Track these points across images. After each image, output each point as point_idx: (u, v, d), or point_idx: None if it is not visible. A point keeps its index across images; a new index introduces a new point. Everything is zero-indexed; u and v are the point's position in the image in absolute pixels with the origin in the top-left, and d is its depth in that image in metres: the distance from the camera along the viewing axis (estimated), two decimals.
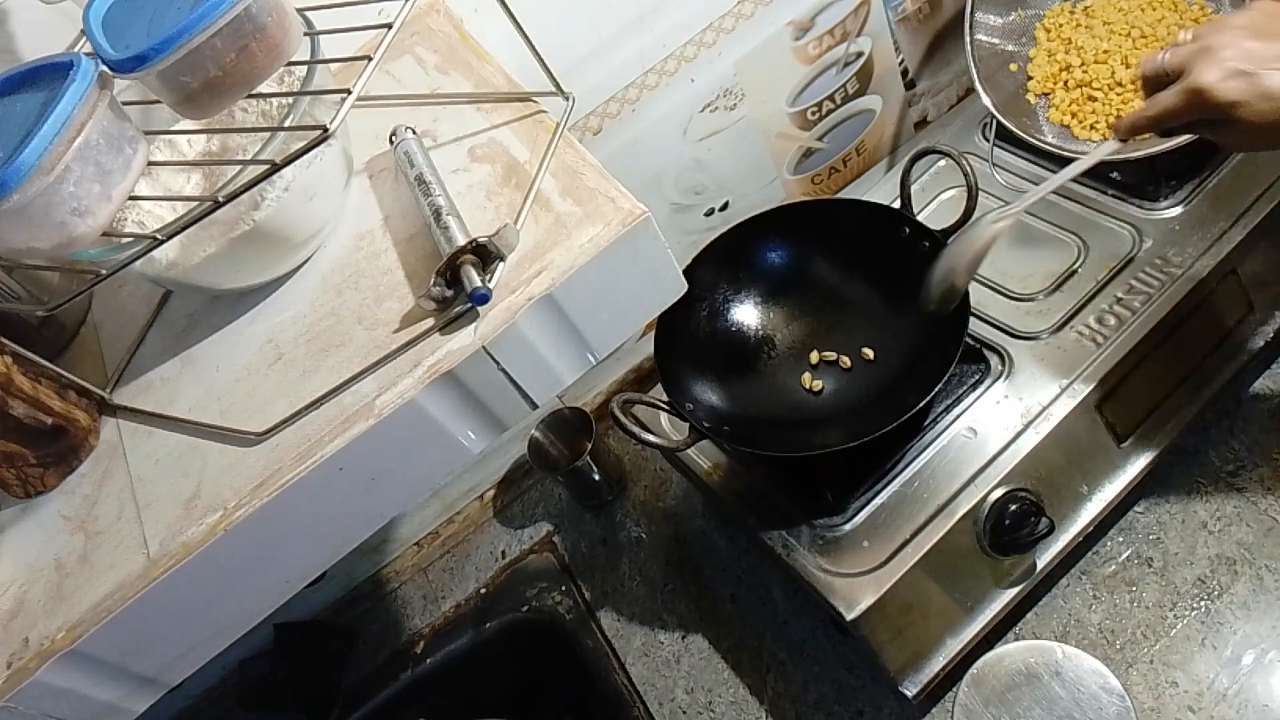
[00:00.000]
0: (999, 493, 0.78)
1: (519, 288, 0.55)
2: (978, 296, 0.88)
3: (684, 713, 0.96)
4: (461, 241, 0.54)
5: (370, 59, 0.52)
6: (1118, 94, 0.92)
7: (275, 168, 0.51)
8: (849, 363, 0.91)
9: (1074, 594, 0.86)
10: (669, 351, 0.88)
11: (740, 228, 0.94)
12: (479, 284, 0.53)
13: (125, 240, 0.54)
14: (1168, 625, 0.81)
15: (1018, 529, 0.77)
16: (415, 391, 0.54)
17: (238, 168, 0.53)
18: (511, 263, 0.57)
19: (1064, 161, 0.94)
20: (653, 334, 0.88)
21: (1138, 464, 0.84)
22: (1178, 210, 0.89)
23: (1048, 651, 0.73)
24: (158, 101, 0.54)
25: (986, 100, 0.96)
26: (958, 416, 0.83)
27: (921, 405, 0.75)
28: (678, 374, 0.88)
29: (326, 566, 0.59)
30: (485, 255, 0.55)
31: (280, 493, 0.53)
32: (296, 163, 0.52)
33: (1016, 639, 0.84)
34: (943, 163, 1.04)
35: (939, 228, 0.84)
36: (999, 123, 0.95)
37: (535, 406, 0.59)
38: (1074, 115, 0.94)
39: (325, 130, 0.50)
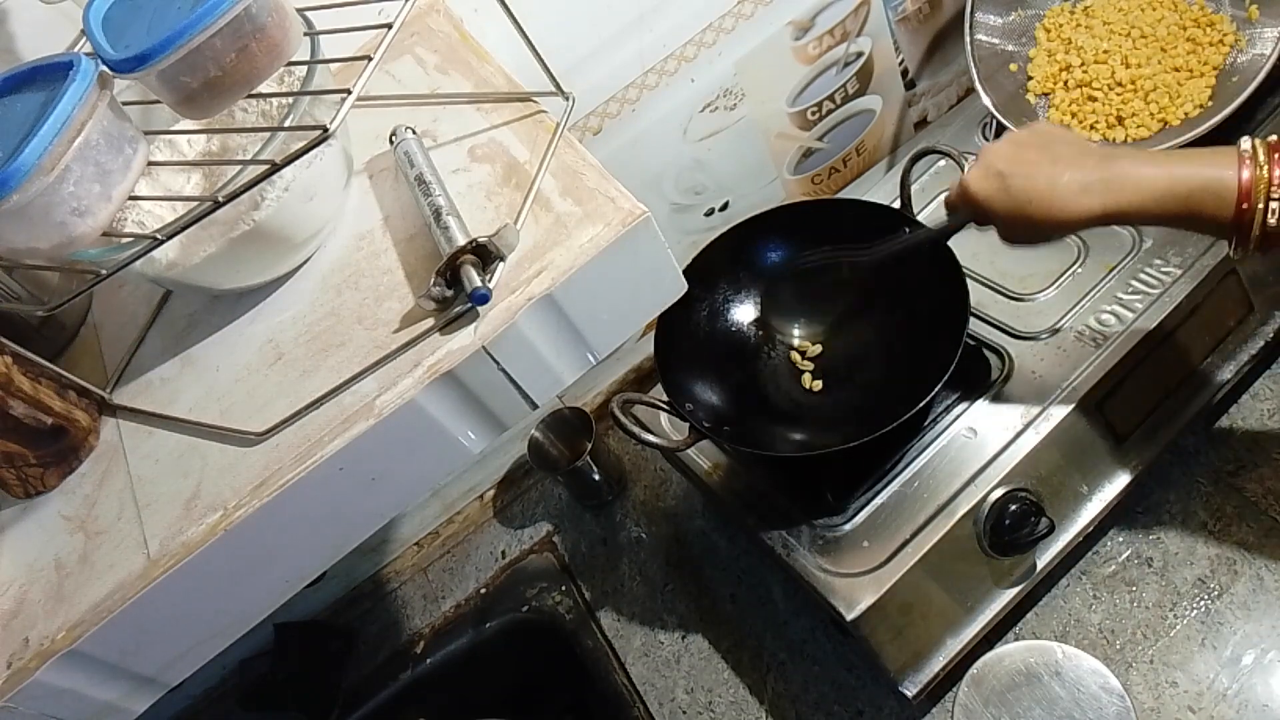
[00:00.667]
0: (999, 493, 0.78)
1: (519, 288, 0.55)
2: (978, 297, 0.88)
3: (684, 713, 0.96)
4: (461, 241, 0.54)
5: (370, 59, 0.52)
6: (1118, 94, 0.92)
7: (275, 168, 0.51)
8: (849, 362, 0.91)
9: (1074, 594, 0.86)
10: (669, 351, 0.88)
11: (740, 228, 0.94)
12: (479, 284, 0.53)
13: (125, 240, 0.54)
14: (1168, 625, 0.81)
15: (1018, 529, 0.77)
16: (415, 391, 0.54)
17: (238, 168, 0.53)
18: (511, 263, 0.57)
19: None
20: (653, 334, 0.88)
21: (1138, 464, 0.84)
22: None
23: (1048, 651, 0.73)
24: (158, 101, 0.54)
25: (986, 100, 0.96)
26: (958, 416, 0.83)
27: (921, 405, 0.75)
28: (678, 374, 0.88)
29: (326, 566, 0.59)
30: (485, 255, 0.55)
31: (280, 493, 0.53)
32: (296, 163, 0.52)
33: (1016, 639, 0.84)
34: (943, 163, 1.04)
35: (939, 228, 0.84)
36: (999, 123, 0.95)
37: (535, 406, 0.59)
38: (1074, 115, 0.94)
39: (325, 130, 0.50)
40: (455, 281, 0.54)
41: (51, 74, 0.50)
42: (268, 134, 0.54)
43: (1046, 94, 0.97)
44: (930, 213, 1.00)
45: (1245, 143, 0.62)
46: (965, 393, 0.85)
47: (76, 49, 0.62)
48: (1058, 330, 0.85)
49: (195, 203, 0.51)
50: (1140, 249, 0.87)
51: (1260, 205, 0.60)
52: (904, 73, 1.16)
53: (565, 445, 1.16)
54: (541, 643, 1.10)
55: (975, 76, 0.97)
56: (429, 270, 0.55)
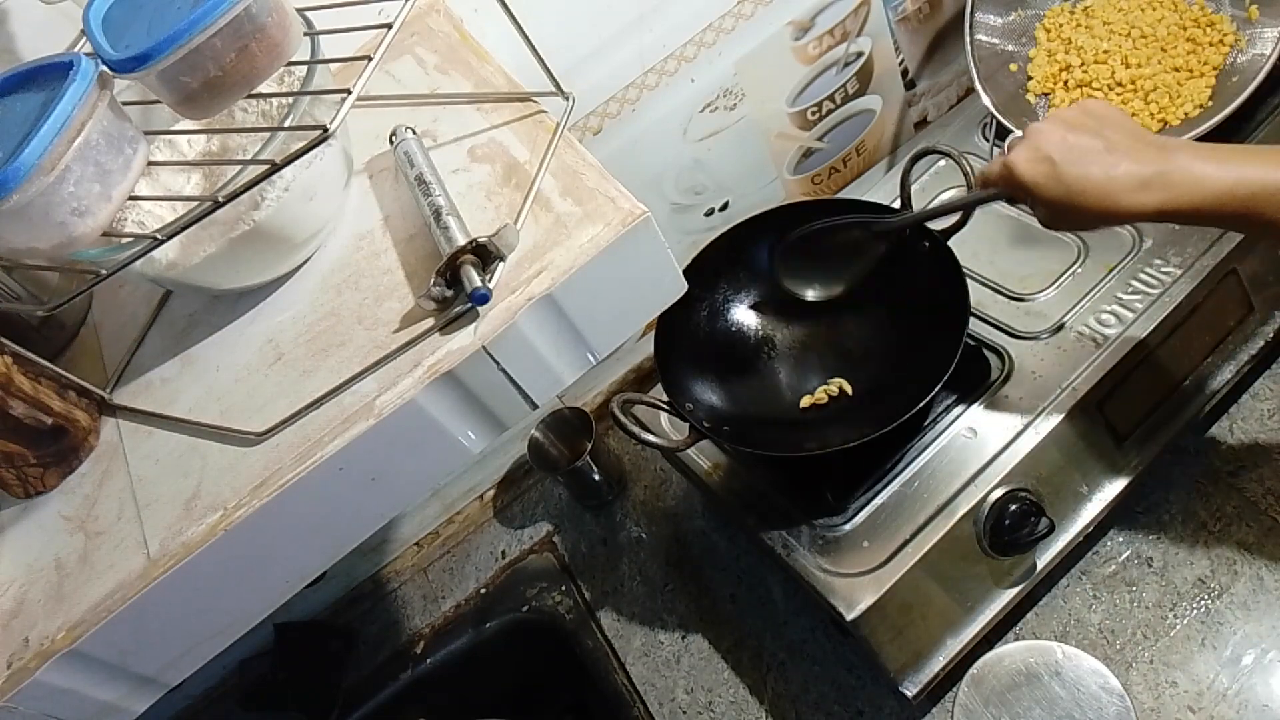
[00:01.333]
0: (999, 493, 0.78)
1: (519, 288, 0.55)
2: (978, 296, 0.88)
3: (684, 713, 0.96)
4: (461, 241, 0.54)
5: (370, 59, 0.52)
6: (1118, 94, 0.92)
7: (275, 168, 0.51)
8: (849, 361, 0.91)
9: (1074, 594, 0.86)
10: (669, 351, 0.88)
11: (740, 228, 0.94)
12: (479, 284, 0.53)
13: (125, 240, 0.54)
14: (1168, 625, 0.81)
15: (1018, 529, 0.77)
16: (415, 391, 0.54)
17: (238, 168, 0.53)
18: (511, 263, 0.57)
19: None
20: (653, 334, 0.88)
21: (1138, 464, 0.84)
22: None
23: (1048, 651, 0.73)
24: (158, 101, 0.54)
25: (986, 100, 0.96)
26: (958, 416, 0.83)
27: (922, 405, 0.75)
28: (678, 374, 0.88)
29: (326, 566, 0.59)
30: (485, 255, 0.55)
31: (280, 493, 0.53)
32: (296, 163, 0.52)
33: (1016, 639, 0.84)
34: (943, 163, 1.04)
35: (939, 228, 0.84)
36: (999, 123, 0.95)
37: (535, 406, 0.59)
38: None
39: (325, 130, 0.50)
40: (455, 281, 0.54)
41: (51, 74, 0.50)
42: (268, 134, 0.54)
43: (1046, 94, 0.97)
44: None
45: None
46: (965, 393, 0.85)
47: (76, 49, 0.62)
48: (1058, 330, 0.85)
49: (195, 203, 0.51)
50: (1140, 249, 0.87)
51: None
52: (904, 73, 1.16)
53: (565, 445, 1.16)
54: (541, 643, 1.10)
55: (975, 76, 0.97)
56: (429, 270, 0.55)
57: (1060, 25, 0.99)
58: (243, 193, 0.51)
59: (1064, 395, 0.81)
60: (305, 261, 0.65)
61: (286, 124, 0.54)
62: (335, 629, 1.17)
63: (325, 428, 0.54)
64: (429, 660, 1.12)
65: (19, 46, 0.69)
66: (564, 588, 1.11)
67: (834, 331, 0.94)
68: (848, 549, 0.79)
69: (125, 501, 0.58)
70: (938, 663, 0.80)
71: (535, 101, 0.67)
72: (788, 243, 0.89)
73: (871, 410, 0.84)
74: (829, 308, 0.94)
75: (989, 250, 0.93)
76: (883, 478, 0.82)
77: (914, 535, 0.78)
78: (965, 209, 0.79)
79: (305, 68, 0.57)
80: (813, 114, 1.12)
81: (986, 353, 0.87)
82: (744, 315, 0.96)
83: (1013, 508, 0.77)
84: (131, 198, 0.52)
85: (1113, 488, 0.83)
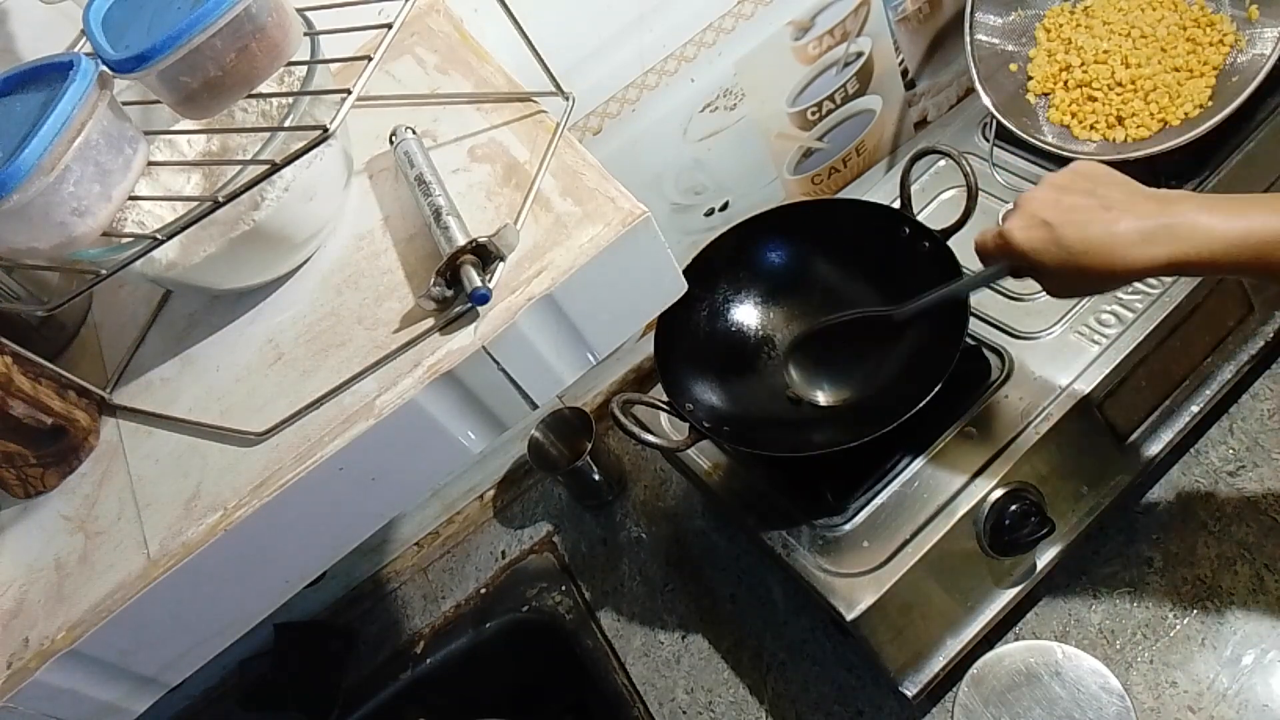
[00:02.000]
0: (999, 493, 0.78)
1: (519, 288, 0.55)
2: (977, 297, 0.88)
3: (684, 713, 0.96)
4: (461, 241, 0.54)
5: (370, 59, 0.52)
6: (1118, 94, 0.92)
7: (275, 168, 0.51)
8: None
9: (1074, 594, 0.86)
10: (669, 351, 0.88)
11: (740, 228, 0.94)
12: (479, 284, 0.53)
13: (125, 240, 0.54)
14: (1168, 625, 0.81)
15: (1018, 529, 0.77)
16: (415, 391, 0.54)
17: (238, 168, 0.53)
18: (511, 263, 0.57)
19: (1064, 161, 0.94)
20: (653, 334, 0.88)
21: (1138, 464, 0.84)
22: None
23: (1048, 651, 0.73)
24: (158, 101, 0.54)
25: (986, 100, 0.96)
26: (958, 416, 0.83)
27: (922, 405, 0.75)
28: (678, 374, 0.88)
29: (326, 566, 0.59)
30: (485, 255, 0.55)
31: (280, 493, 0.53)
32: (296, 163, 0.52)
33: (1016, 639, 0.84)
34: (943, 163, 1.04)
35: (939, 228, 0.84)
36: (999, 123, 0.95)
37: (535, 406, 0.59)
38: (1074, 115, 0.94)
39: (325, 130, 0.50)
40: (455, 281, 0.54)
41: (51, 74, 0.50)
42: (268, 134, 0.54)
43: (1046, 94, 0.97)
44: (930, 213, 1.00)
45: None
46: (965, 393, 0.85)
47: (76, 49, 0.62)
48: (1058, 330, 0.85)
49: (195, 203, 0.51)
50: None
51: None
52: (904, 73, 1.16)
53: (565, 445, 1.16)
54: (541, 643, 1.10)
55: (975, 76, 0.97)
56: (429, 270, 0.55)
57: (1060, 25, 0.99)
58: (243, 193, 0.51)
59: (1064, 395, 0.81)
60: (305, 261, 0.65)
61: (286, 124, 0.54)
62: (335, 629, 1.17)
63: (325, 428, 0.54)
64: (429, 660, 1.12)
65: (19, 46, 0.69)
66: (564, 588, 1.11)
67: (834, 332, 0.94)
68: (848, 549, 0.79)
69: (125, 501, 0.58)
70: (938, 663, 0.80)
71: (535, 101, 0.67)
72: (794, 343, 0.86)
73: (872, 410, 0.84)
74: (829, 308, 0.95)
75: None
76: (883, 478, 0.82)
77: (914, 535, 0.78)
78: (969, 291, 0.76)
79: (305, 68, 0.57)
80: (813, 114, 1.12)
81: (986, 353, 0.87)
82: (744, 315, 0.96)
83: (1013, 508, 0.77)
84: (131, 198, 0.52)
85: (1113, 488, 0.83)
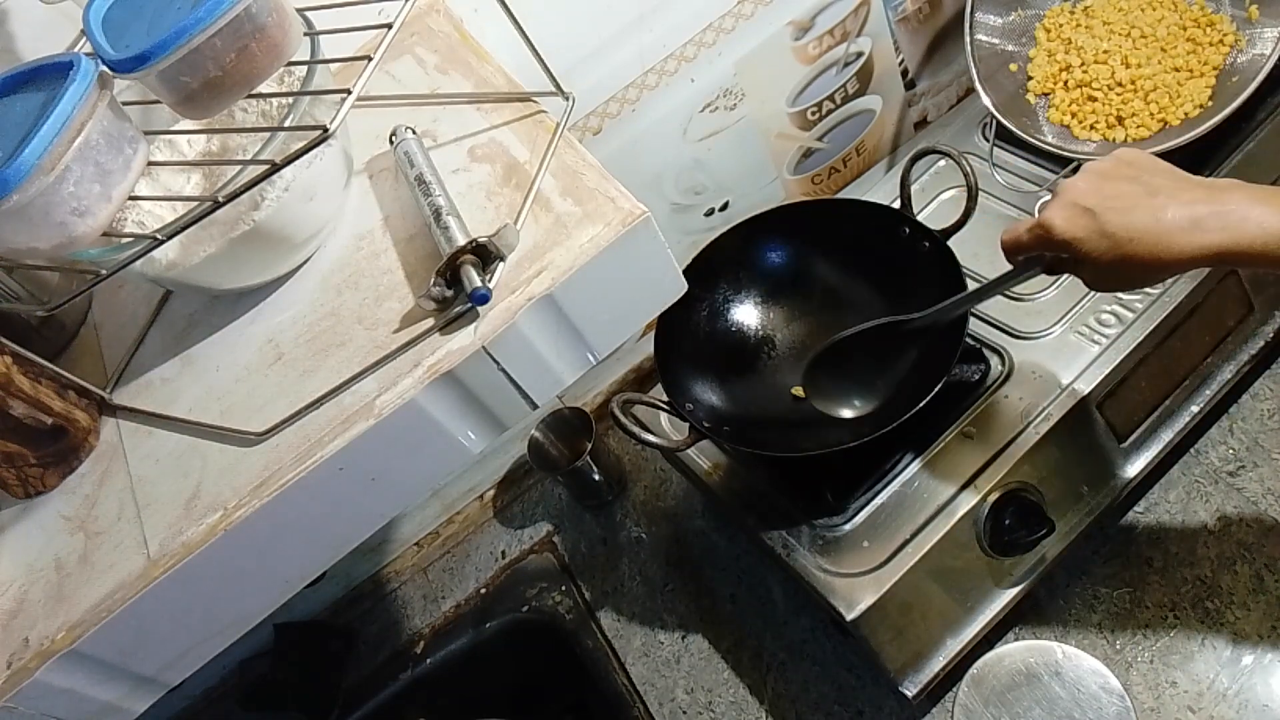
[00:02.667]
0: (999, 493, 0.78)
1: (519, 288, 0.55)
2: None
3: (684, 713, 0.96)
4: (461, 241, 0.54)
5: (370, 59, 0.52)
6: (1118, 94, 0.92)
7: (275, 168, 0.51)
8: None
9: (1074, 594, 0.86)
10: (669, 351, 0.88)
11: (740, 228, 0.94)
12: (479, 284, 0.53)
13: (125, 240, 0.54)
14: (1168, 625, 0.81)
15: (1018, 529, 0.77)
16: (415, 391, 0.54)
17: (238, 168, 0.53)
18: (511, 263, 0.57)
19: (1064, 162, 0.94)
20: (653, 334, 0.88)
21: (1138, 464, 0.84)
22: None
23: (1048, 651, 0.73)
24: (158, 101, 0.54)
25: (986, 100, 0.96)
26: (958, 416, 0.83)
27: (922, 405, 0.75)
28: (678, 374, 0.88)
29: (326, 566, 0.59)
30: (485, 255, 0.55)
31: (280, 493, 0.53)
32: (296, 163, 0.52)
33: (1016, 639, 0.84)
34: (943, 163, 1.04)
35: (939, 228, 0.84)
36: (999, 123, 0.95)
37: (535, 406, 0.59)
38: (1074, 115, 0.94)
39: (325, 130, 0.50)
40: (455, 281, 0.54)
41: (51, 74, 0.50)
42: (268, 134, 0.54)
43: (1046, 94, 0.97)
44: (930, 213, 1.00)
45: None
46: (965, 392, 0.85)
47: (76, 49, 0.62)
48: (1058, 330, 0.85)
49: (195, 203, 0.51)
50: None
51: None
52: (904, 73, 1.16)
53: (565, 445, 1.16)
54: (541, 643, 1.10)
55: (975, 76, 0.97)
56: (429, 270, 0.55)
57: (1060, 25, 0.99)
58: (243, 193, 0.51)
59: (1064, 395, 0.81)
60: (305, 261, 0.65)
61: (286, 124, 0.54)
62: (335, 629, 1.17)
63: (325, 428, 0.54)
64: (429, 660, 1.12)
65: (19, 46, 0.69)
66: (564, 588, 1.11)
67: (834, 332, 0.94)
68: (848, 549, 0.79)
69: (125, 501, 0.58)
70: (938, 663, 0.80)
71: (535, 101, 0.67)
72: (813, 359, 0.82)
73: (872, 410, 0.83)
74: (829, 308, 0.95)
75: (989, 250, 0.93)
76: (883, 478, 0.82)
77: (914, 535, 0.78)
78: (999, 289, 0.72)
79: (305, 68, 0.57)
80: (813, 114, 1.12)
81: (986, 353, 0.87)
82: (744, 315, 0.96)
83: (1013, 508, 0.77)
84: (131, 198, 0.52)
85: (1113, 488, 0.83)
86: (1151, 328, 0.81)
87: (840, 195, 1.19)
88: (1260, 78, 0.83)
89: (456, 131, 0.67)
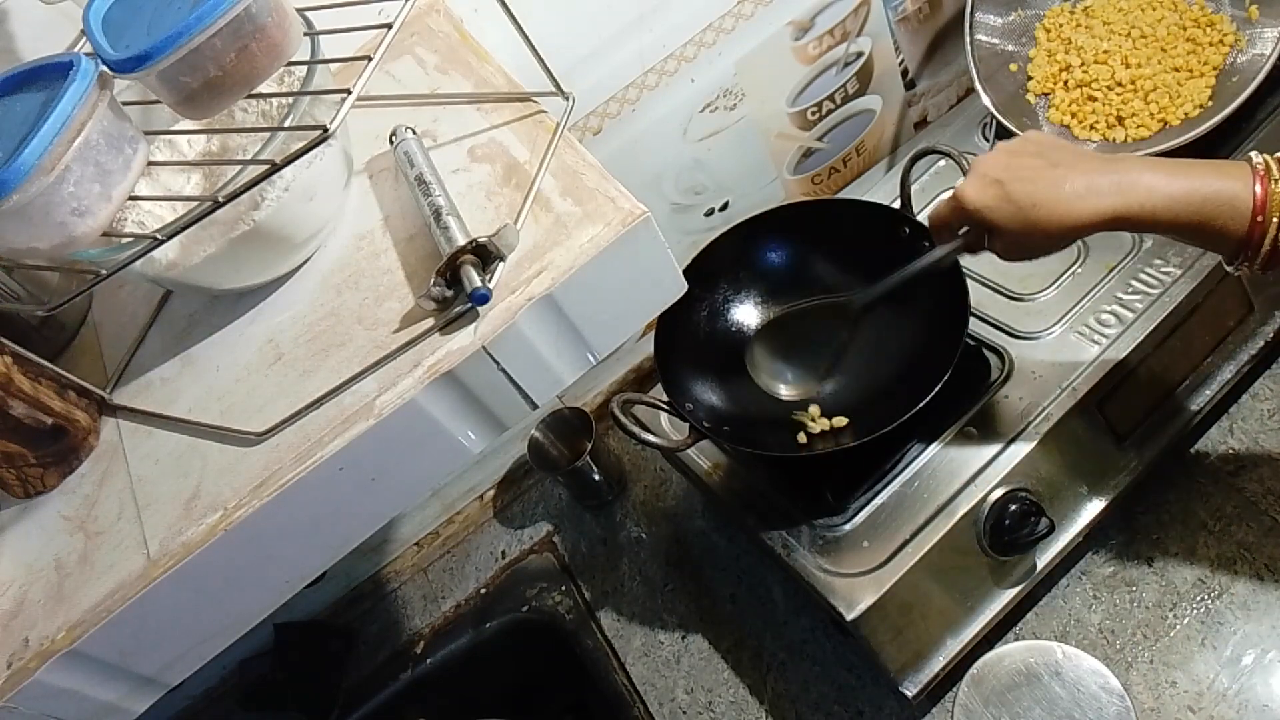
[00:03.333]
0: (999, 493, 0.78)
1: (519, 288, 0.55)
2: (978, 297, 0.88)
3: (684, 713, 0.96)
4: (461, 241, 0.54)
5: (370, 59, 0.52)
6: (1117, 94, 0.92)
7: (275, 168, 0.51)
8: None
9: (1074, 594, 0.86)
10: (669, 351, 0.88)
11: (740, 228, 0.94)
12: (479, 284, 0.53)
13: (125, 240, 0.54)
14: (1168, 625, 0.81)
15: (1018, 529, 0.77)
16: (415, 391, 0.54)
17: (238, 168, 0.53)
18: (511, 263, 0.57)
19: None
20: (653, 334, 0.88)
21: (1138, 464, 0.84)
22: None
23: (1048, 651, 0.73)
24: (158, 101, 0.54)
25: (986, 100, 0.96)
26: (958, 416, 0.83)
27: (921, 405, 0.75)
28: (678, 374, 0.88)
29: (326, 566, 0.59)
30: (485, 255, 0.55)
31: (280, 493, 0.53)
32: (296, 163, 0.52)
33: (1016, 639, 0.84)
34: (943, 163, 1.04)
35: None
36: (999, 123, 0.95)
37: (535, 406, 0.59)
38: (1074, 115, 0.94)
39: (325, 130, 0.50)
40: (455, 281, 0.54)
41: (51, 74, 0.50)
42: (268, 134, 0.54)
43: (1046, 94, 0.97)
44: (930, 212, 1.00)
45: (1256, 157, 0.61)
46: (965, 392, 0.85)
47: (76, 49, 0.62)
48: (1058, 330, 0.85)
49: (195, 203, 0.51)
50: (1140, 249, 0.87)
51: (1275, 219, 0.59)
52: (904, 73, 1.16)
53: (565, 445, 1.16)
54: (541, 643, 1.10)
55: (975, 76, 0.97)
56: (429, 270, 0.55)
57: (1060, 25, 0.99)
58: (243, 193, 0.51)
59: (1064, 395, 0.81)
60: (305, 261, 0.65)
61: (286, 124, 0.54)
62: (335, 629, 1.17)
63: (325, 428, 0.54)
64: (429, 660, 1.12)
65: (19, 46, 0.69)
66: (564, 588, 1.11)
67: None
68: (848, 549, 0.79)
69: (125, 501, 0.58)
70: (938, 663, 0.80)
71: (535, 101, 0.67)
72: (757, 334, 0.86)
73: (871, 410, 0.84)
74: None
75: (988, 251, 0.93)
76: (883, 478, 0.82)
77: (914, 535, 0.78)
78: (921, 271, 0.76)
79: (305, 68, 0.57)
80: (813, 114, 1.12)
81: (986, 353, 0.87)
82: (744, 315, 0.96)
83: (1013, 508, 0.77)
84: (131, 198, 0.52)
85: (1113, 488, 0.83)
86: (1151, 328, 0.81)
87: (840, 195, 1.19)
88: (1260, 78, 0.83)
89: (456, 131, 0.67)
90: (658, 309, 0.62)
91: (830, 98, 1.12)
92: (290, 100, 0.58)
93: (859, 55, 1.11)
